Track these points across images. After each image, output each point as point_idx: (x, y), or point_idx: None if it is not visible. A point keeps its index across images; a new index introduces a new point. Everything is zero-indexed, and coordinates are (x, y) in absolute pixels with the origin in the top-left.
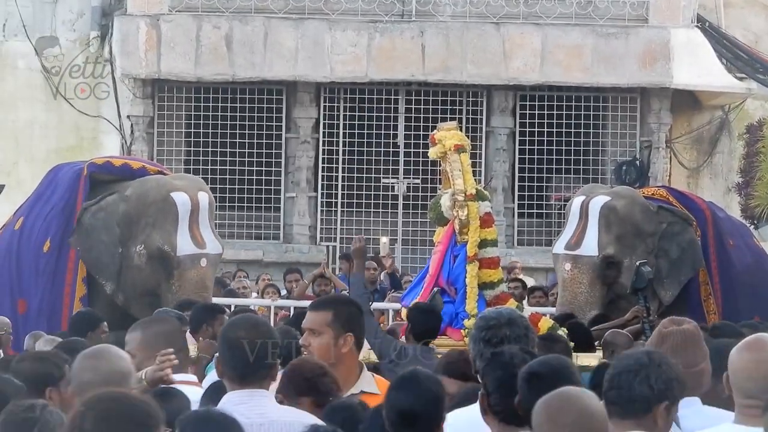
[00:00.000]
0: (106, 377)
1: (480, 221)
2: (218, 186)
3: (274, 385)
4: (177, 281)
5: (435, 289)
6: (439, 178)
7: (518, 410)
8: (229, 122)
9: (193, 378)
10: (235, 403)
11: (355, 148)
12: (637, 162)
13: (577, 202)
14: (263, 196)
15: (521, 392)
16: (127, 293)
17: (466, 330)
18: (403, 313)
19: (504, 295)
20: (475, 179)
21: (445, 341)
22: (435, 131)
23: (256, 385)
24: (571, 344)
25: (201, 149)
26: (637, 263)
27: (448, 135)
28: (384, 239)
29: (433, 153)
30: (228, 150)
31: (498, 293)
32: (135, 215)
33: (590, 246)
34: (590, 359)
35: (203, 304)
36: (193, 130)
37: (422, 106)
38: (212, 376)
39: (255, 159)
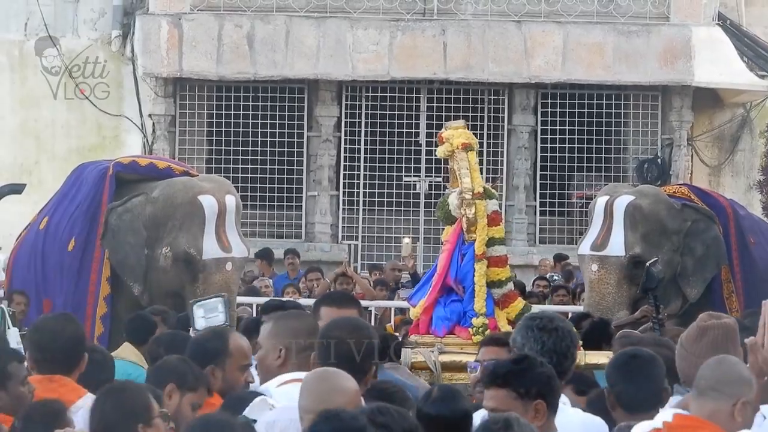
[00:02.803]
0: None
1: (487, 219)
2: (240, 184)
3: None
4: (202, 284)
5: None
6: None
7: None
8: (250, 121)
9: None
10: None
11: (377, 147)
12: (659, 160)
13: (601, 201)
14: (285, 194)
15: None
16: (153, 294)
17: (474, 328)
18: (412, 312)
19: (512, 294)
20: (498, 177)
21: (453, 340)
22: (442, 130)
23: None
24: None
25: (223, 148)
26: (647, 263)
27: (455, 133)
28: (407, 240)
29: (440, 152)
30: (250, 149)
31: (506, 291)
32: (162, 217)
33: (617, 246)
34: (599, 357)
35: None
36: (214, 129)
37: (444, 105)
38: None
39: (277, 158)
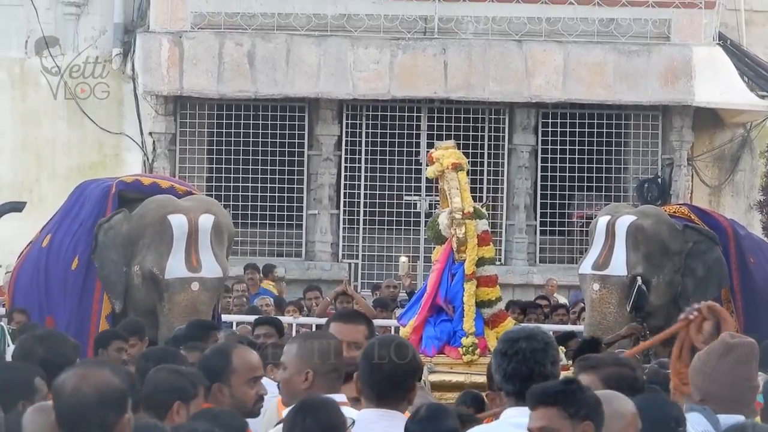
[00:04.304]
0: None
1: (477, 239)
2: (240, 203)
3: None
4: (167, 304)
5: None
6: None
7: None
8: (251, 139)
9: (344, 398)
10: (369, 421)
11: (378, 166)
12: (659, 180)
13: (602, 221)
14: (285, 213)
15: None
16: (134, 311)
17: (464, 348)
18: (402, 332)
19: (502, 314)
20: (497, 196)
21: (443, 359)
22: (433, 150)
23: (391, 406)
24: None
25: (223, 166)
26: (637, 282)
27: (445, 154)
28: (403, 258)
29: (430, 172)
30: (250, 167)
31: (496, 311)
32: (135, 236)
33: (619, 266)
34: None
35: (197, 321)
36: (215, 147)
37: (444, 124)
38: None
39: (277, 176)
